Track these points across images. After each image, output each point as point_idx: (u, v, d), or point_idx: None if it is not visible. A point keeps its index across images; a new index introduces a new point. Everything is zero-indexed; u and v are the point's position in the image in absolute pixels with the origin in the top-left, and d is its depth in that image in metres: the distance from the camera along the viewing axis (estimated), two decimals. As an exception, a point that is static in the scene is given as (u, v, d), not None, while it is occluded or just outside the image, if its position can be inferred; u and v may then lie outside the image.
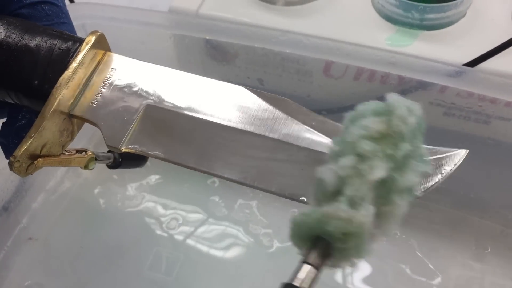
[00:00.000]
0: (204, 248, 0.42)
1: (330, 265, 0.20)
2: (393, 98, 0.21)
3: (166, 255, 0.41)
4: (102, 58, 0.26)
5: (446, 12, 0.39)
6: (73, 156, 0.26)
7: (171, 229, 0.43)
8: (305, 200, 0.22)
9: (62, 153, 0.25)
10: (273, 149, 0.23)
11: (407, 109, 0.20)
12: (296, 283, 0.19)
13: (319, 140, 0.23)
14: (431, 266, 0.40)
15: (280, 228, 0.43)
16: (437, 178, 0.22)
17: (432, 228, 0.42)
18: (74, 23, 0.44)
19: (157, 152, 0.24)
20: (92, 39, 0.24)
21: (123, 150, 0.24)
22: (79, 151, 0.27)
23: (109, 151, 0.31)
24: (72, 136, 0.26)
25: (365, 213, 0.19)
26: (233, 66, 0.45)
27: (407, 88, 0.39)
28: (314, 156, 0.23)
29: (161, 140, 0.24)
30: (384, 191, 0.20)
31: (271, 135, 0.23)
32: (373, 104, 0.21)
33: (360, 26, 0.42)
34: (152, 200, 0.45)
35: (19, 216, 0.43)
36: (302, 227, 0.20)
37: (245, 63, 0.44)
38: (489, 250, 0.41)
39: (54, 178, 0.46)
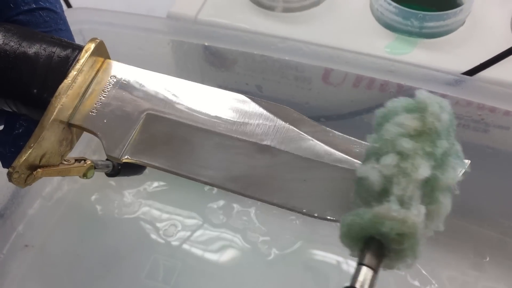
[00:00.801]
0: (202, 256, 0.42)
1: (385, 266, 0.20)
2: (423, 94, 0.21)
3: (164, 262, 0.41)
4: (101, 66, 0.25)
5: (445, 21, 0.39)
6: (72, 166, 0.26)
7: (168, 236, 0.43)
8: (316, 215, 0.22)
9: (61, 163, 0.25)
10: (274, 160, 0.23)
11: (439, 106, 0.20)
12: (357, 286, 0.19)
13: (322, 150, 0.23)
14: (425, 274, 0.40)
15: (279, 235, 0.43)
16: None
17: (431, 237, 0.42)
18: (72, 28, 0.44)
19: (157, 163, 0.23)
20: (91, 46, 0.24)
21: (123, 161, 0.23)
22: (78, 160, 0.27)
23: (107, 159, 0.30)
24: (71, 145, 0.25)
25: (417, 213, 0.19)
26: (231, 73, 0.45)
27: (406, 96, 0.39)
28: (315, 167, 0.23)
29: (162, 150, 0.24)
30: (427, 190, 0.20)
31: (273, 144, 0.23)
32: (403, 101, 0.21)
33: (359, 34, 0.42)
34: (149, 207, 0.45)
35: (15, 223, 0.42)
36: (353, 227, 0.20)
37: (244, 70, 0.44)
38: (488, 259, 0.41)
39: (50, 184, 0.45)
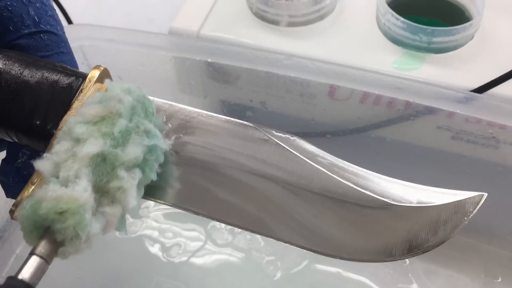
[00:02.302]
0: (206, 277, 0.41)
1: (61, 254, 0.20)
2: (109, 83, 0.22)
3: (167, 285, 0.40)
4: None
5: (454, 36, 0.39)
6: None
7: (172, 257, 0.42)
8: (328, 253, 0.21)
9: None
10: (286, 194, 0.22)
11: (122, 90, 0.22)
12: (20, 276, 0.18)
13: (333, 184, 0.22)
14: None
15: (284, 255, 0.42)
16: (461, 220, 0.22)
17: (440, 255, 0.41)
18: (72, 44, 0.43)
19: (164, 200, 0.23)
20: (95, 74, 0.23)
21: None
22: None
23: None
24: None
25: (79, 188, 0.19)
26: (235, 88, 0.44)
27: (413, 113, 0.38)
28: (327, 202, 0.22)
29: (169, 185, 0.23)
30: (108, 168, 0.20)
31: (284, 177, 0.22)
32: (98, 95, 0.22)
33: (366, 48, 0.41)
34: (152, 226, 0.43)
35: (14, 245, 0.41)
36: (24, 221, 0.19)
37: (248, 85, 0.43)
38: (500, 279, 0.40)
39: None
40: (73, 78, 0.23)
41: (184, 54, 0.40)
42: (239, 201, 0.22)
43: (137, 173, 0.21)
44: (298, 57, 0.39)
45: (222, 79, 0.43)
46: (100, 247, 0.43)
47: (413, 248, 0.21)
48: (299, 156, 0.23)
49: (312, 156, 0.23)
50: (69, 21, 0.53)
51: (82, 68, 0.30)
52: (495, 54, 0.40)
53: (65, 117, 0.22)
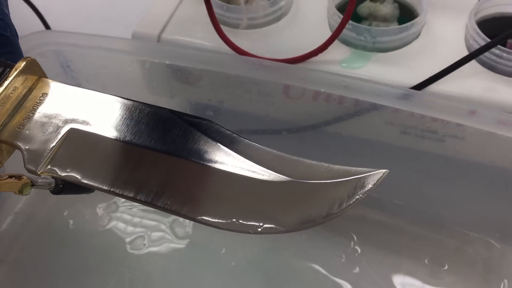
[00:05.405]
0: (167, 268, 0.43)
1: None
2: None
3: (129, 276, 0.42)
4: (34, 84, 0.26)
5: (397, 35, 0.40)
6: (3, 181, 0.25)
7: (135, 249, 0.44)
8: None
9: None
10: (192, 172, 0.24)
11: None
12: None
13: (235, 162, 0.24)
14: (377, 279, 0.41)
15: (240, 246, 0.44)
16: (356, 196, 0.22)
17: (391, 244, 0.43)
18: (41, 50, 0.45)
19: (73, 175, 0.24)
20: (21, 64, 0.25)
21: (41, 173, 0.24)
22: (13, 176, 0.26)
23: (53, 177, 0.31)
24: (0, 161, 0.26)
25: None
26: (196, 87, 0.46)
27: (360, 110, 0.40)
28: (228, 179, 0.23)
29: (80, 163, 0.24)
30: None
31: (190, 157, 0.24)
32: None
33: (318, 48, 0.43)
34: (119, 220, 0.46)
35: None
36: None
37: (209, 84, 0.45)
38: (446, 267, 0.41)
39: (23, 200, 0.47)
40: (1, 68, 0.25)
41: (143, 57, 0.43)
42: (141, 178, 0.24)
43: None
44: (251, 58, 0.41)
45: (184, 80, 0.45)
46: (70, 241, 0.45)
47: (305, 221, 0.22)
48: (207, 138, 0.24)
49: (216, 135, 0.24)
50: (47, 27, 0.56)
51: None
52: (439, 51, 0.42)
53: None
